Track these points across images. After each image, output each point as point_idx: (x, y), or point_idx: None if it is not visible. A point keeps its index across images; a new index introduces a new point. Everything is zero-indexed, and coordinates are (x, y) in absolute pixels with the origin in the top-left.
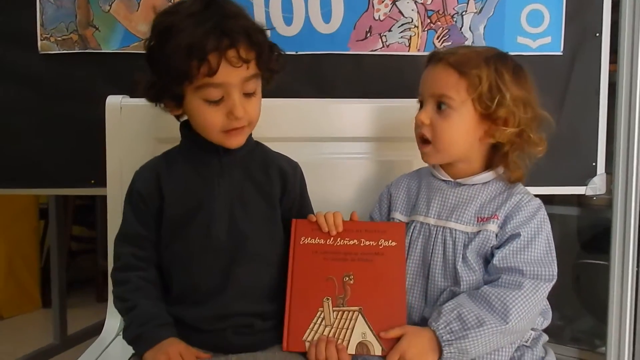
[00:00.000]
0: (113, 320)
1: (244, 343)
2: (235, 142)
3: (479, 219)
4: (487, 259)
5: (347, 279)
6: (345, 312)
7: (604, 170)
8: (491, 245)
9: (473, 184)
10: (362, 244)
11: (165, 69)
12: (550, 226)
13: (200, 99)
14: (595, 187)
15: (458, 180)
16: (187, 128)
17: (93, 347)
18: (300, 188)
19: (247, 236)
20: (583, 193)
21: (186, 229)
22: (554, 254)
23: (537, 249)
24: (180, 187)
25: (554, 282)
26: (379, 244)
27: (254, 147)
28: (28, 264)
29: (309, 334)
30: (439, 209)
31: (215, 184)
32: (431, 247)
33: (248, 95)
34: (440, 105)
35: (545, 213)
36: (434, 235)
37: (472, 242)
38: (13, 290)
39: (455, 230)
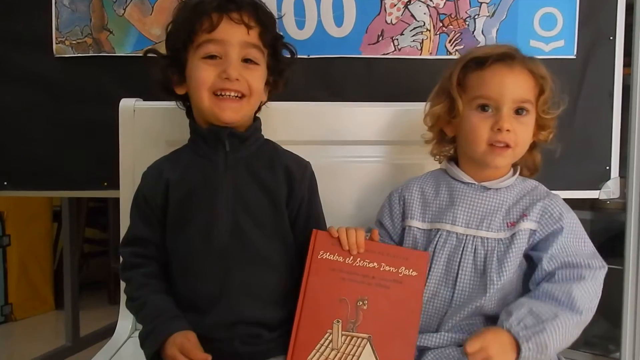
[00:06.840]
0: (125, 322)
1: (252, 351)
2: (228, 114)
3: (508, 224)
4: (525, 256)
5: (360, 303)
6: (354, 338)
7: (617, 174)
8: (528, 243)
9: (498, 188)
10: (381, 269)
11: (174, 35)
12: None
13: (198, 58)
14: (609, 191)
15: (484, 184)
16: (192, 118)
17: (105, 349)
18: (309, 190)
19: (249, 237)
20: (597, 197)
21: (187, 228)
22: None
23: (583, 241)
24: (183, 183)
25: (606, 270)
26: (399, 271)
27: (262, 145)
28: (41, 266)
29: (314, 355)
30: (467, 217)
31: (219, 182)
32: (459, 256)
33: (248, 62)
34: (518, 110)
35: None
36: (462, 244)
37: (511, 247)
38: (26, 292)
39: (487, 238)
